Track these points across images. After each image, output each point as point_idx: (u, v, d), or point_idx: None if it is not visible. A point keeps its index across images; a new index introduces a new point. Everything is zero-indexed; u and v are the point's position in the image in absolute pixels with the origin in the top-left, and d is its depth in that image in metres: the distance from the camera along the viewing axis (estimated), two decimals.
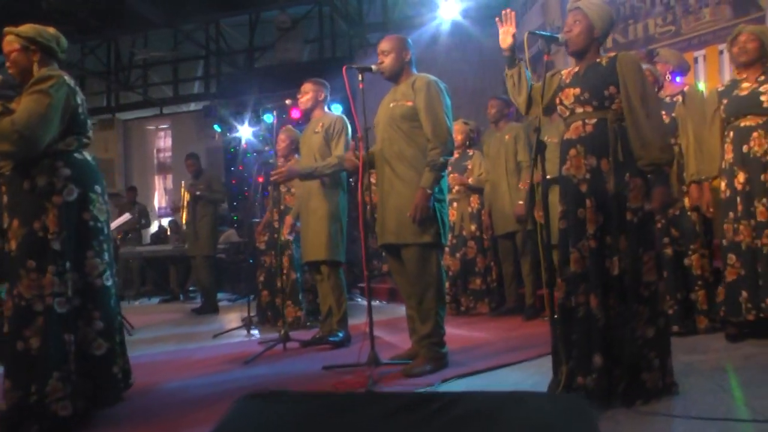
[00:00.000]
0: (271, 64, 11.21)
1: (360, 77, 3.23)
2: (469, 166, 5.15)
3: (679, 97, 4.10)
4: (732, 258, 3.33)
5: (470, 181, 5.01)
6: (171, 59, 12.02)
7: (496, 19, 2.73)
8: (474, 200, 5.11)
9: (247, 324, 4.90)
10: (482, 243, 5.02)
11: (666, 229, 3.66)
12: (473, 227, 5.04)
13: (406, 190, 3.17)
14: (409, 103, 3.23)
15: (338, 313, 4.06)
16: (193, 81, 12.50)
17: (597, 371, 2.31)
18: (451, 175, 5.12)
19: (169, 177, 12.52)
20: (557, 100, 2.62)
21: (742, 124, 3.35)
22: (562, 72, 2.67)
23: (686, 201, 3.64)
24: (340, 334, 4.02)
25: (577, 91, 2.52)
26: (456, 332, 4.42)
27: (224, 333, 4.87)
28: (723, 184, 3.42)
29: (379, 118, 3.40)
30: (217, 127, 10.49)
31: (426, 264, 3.16)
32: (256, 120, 9.26)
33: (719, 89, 3.52)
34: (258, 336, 4.77)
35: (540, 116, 2.60)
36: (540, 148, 2.46)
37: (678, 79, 4.23)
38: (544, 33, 2.60)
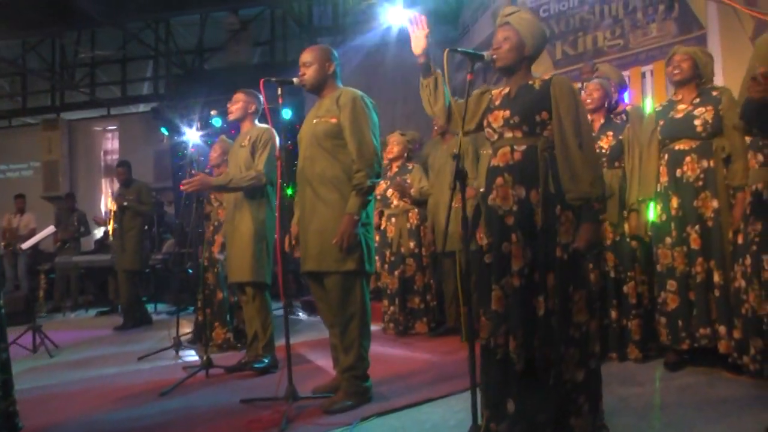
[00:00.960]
0: (220, 66, 10.93)
1: (279, 91, 3.04)
2: (409, 180, 4.97)
3: (622, 117, 4.04)
4: (673, 284, 3.24)
5: (411, 192, 4.84)
6: (118, 58, 11.60)
7: (407, 21, 2.51)
8: (413, 216, 4.94)
9: (176, 345, 4.65)
10: (421, 260, 4.85)
11: (597, 254, 3.53)
12: (412, 244, 4.87)
13: (329, 213, 2.98)
14: (333, 120, 3.03)
15: (264, 337, 3.86)
16: (142, 81, 12.09)
17: (509, 418, 2.17)
18: (390, 189, 4.96)
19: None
20: (485, 122, 2.48)
21: (677, 147, 3.27)
22: (493, 92, 2.53)
23: (626, 227, 3.55)
24: (266, 360, 3.82)
25: (507, 113, 2.37)
26: (391, 353, 4.28)
27: (151, 355, 4.61)
28: (658, 208, 3.34)
29: (302, 135, 3.19)
30: (164, 131, 10.14)
31: (350, 293, 2.99)
32: (204, 124, 8.99)
33: (656, 110, 3.45)
34: (187, 358, 4.54)
35: (461, 139, 2.43)
36: (460, 176, 2.31)
37: (626, 96, 4.16)
38: (467, 50, 2.43)
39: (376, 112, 3.12)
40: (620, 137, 3.59)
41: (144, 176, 8.66)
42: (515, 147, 2.35)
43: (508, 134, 2.37)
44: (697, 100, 3.27)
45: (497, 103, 2.45)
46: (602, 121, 3.67)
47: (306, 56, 3.15)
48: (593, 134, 3.60)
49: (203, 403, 3.24)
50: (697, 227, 3.17)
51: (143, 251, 6.53)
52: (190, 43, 11.35)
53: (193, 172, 4.22)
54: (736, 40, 5.19)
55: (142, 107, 11.91)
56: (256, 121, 4.07)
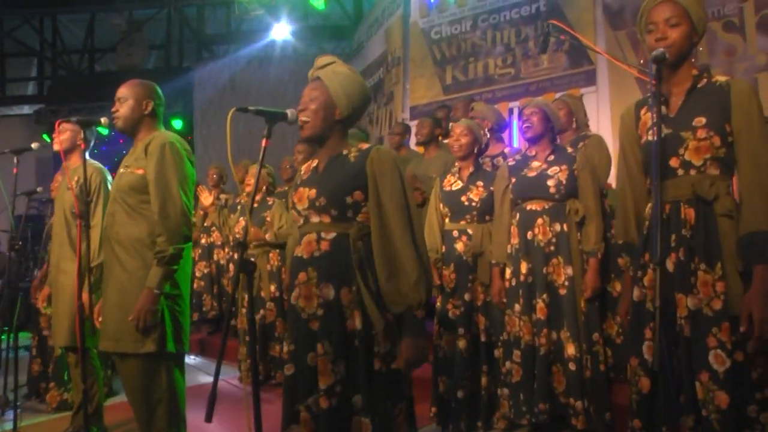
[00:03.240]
0: (111, 69, 10.24)
1: (82, 135, 2.60)
2: (269, 218, 4.54)
3: (500, 159, 3.79)
4: (518, 355, 2.98)
5: (268, 237, 4.40)
6: None
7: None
8: (274, 257, 4.54)
9: (2, 405, 4.08)
10: (282, 305, 4.47)
11: (466, 318, 3.21)
12: (273, 287, 4.48)
13: (129, 283, 2.51)
14: (140, 171, 2.54)
15: (90, 406, 3.38)
16: (26, 81, 11.16)
17: None
18: (252, 228, 4.54)
19: None
20: (290, 203, 2.12)
21: (528, 208, 3.00)
22: (303, 168, 2.15)
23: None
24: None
25: (313, 193, 1.98)
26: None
27: None
28: (509, 272, 3.08)
29: (112, 186, 2.76)
30: (45, 137, 9.34)
31: (153, 378, 2.52)
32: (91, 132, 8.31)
33: (509, 163, 3.18)
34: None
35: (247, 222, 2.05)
36: (245, 268, 1.89)
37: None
38: (262, 109, 1.94)
39: (191, 161, 2.69)
40: (491, 188, 3.32)
41: (25, 186, 7.90)
42: (323, 235, 1.96)
43: (315, 218, 1.98)
44: (552, 157, 3.03)
45: (305, 178, 2.07)
46: (471, 169, 3.34)
47: (122, 90, 2.67)
48: (461, 185, 3.32)
49: None
50: (545, 296, 2.92)
51: None
52: (79, 41, 10.57)
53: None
54: (624, 75, 5.12)
55: (27, 109, 11.00)
56: (87, 155, 3.56)
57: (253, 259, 2.23)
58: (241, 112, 1.85)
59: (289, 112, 1.94)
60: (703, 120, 1.86)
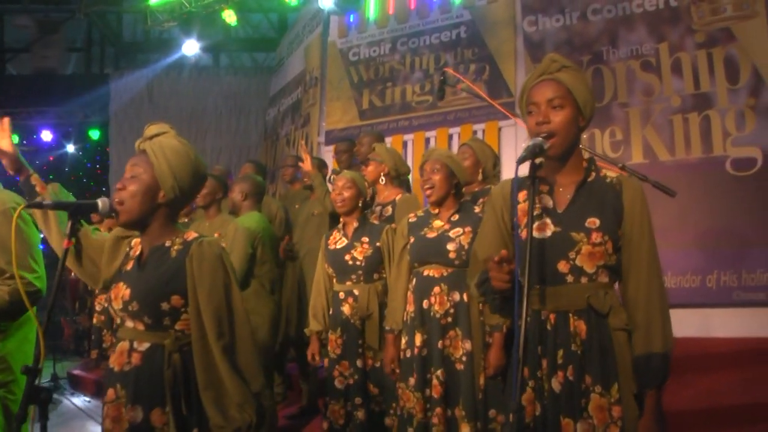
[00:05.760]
0: (23, 72, 9.53)
1: None
2: None
3: (389, 209, 3.52)
4: None
5: None
6: None
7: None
8: None
9: None
10: None
11: (360, 386, 2.95)
12: None
13: None
14: None
15: None
16: None
17: None
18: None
19: None
20: (108, 299, 1.76)
21: (425, 273, 2.73)
22: (135, 245, 1.80)
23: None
24: None
25: (127, 294, 1.65)
26: None
27: None
28: (404, 341, 2.80)
29: None
30: None
31: None
32: None
33: (410, 220, 2.90)
34: None
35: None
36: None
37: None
38: (67, 202, 1.69)
39: (36, 227, 2.28)
40: (377, 244, 3.04)
41: None
42: (135, 345, 1.63)
43: (129, 324, 1.66)
44: (456, 217, 2.76)
45: (128, 268, 1.72)
46: (356, 225, 3.08)
47: None
48: (345, 242, 3.06)
49: None
50: (440, 372, 2.65)
51: None
52: None
53: None
54: None
55: None
56: None
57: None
58: (35, 208, 1.51)
59: (101, 201, 1.62)
60: (597, 222, 1.62)
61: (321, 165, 4.50)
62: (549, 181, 1.70)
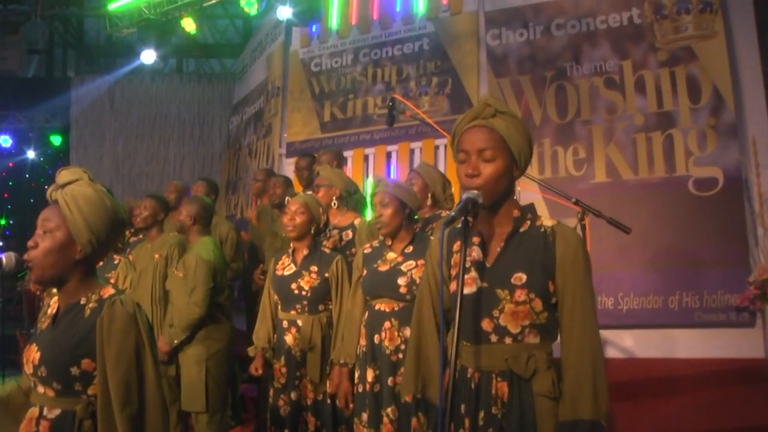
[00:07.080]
0: None
1: None
2: (113, 279, 3.92)
3: (348, 233, 3.39)
4: None
5: None
6: None
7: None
8: None
9: None
10: None
11: (295, 418, 2.85)
12: None
13: None
14: None
15: None
16: None
17: None
18: None
19: None
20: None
21: (377, 307, 2.63)
22: (52, 303, 1.66)
23: (328, 384, 2.86)
24: None
25: (37, 357, 1.52)
26: None
27: None
28: (357, 375, 2.69)
29: None
30: None
31: None
32: None
33: (365, 251, 2.78)
34: None
35: None
36: None
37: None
38: None
39: None
40: (326, 275, 2.91)
41: None
42: (45, 412, 1.50)
43: (40, 389, 1.53)
44: (410, 249, 2.65)
45: (43, 327, 1.60)
46: (306, 252, 2.95)
47: None
48: (293, 269, 2.93)
49: None
50: (390, 409, 2.54)
51: None
52: None
53: None
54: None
55: None
56: None
57: None
58: None
59: (5, 257, 1.48)
60: (524, 278, 1.52)
61: (287, 184, 4.35)
62: (483, 232, 1.60)
